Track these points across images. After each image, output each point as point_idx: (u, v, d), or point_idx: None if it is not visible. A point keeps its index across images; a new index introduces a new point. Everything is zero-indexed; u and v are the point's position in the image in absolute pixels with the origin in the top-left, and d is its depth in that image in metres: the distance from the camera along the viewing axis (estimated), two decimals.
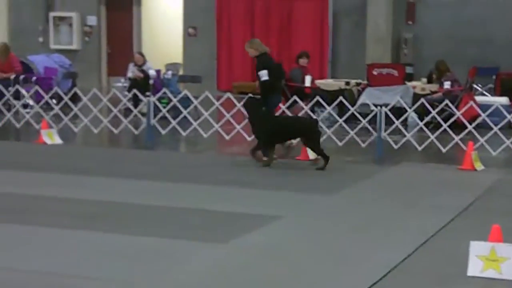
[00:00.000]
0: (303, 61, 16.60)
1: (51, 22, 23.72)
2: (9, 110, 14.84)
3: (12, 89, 15.23)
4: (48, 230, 7.19)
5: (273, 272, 6.08)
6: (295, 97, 13.86)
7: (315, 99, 14.06)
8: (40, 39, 23.80)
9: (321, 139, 11.16)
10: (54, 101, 15.00)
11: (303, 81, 16.36)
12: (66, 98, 14.47)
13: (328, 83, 17.37)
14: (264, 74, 11.32)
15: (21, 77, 16.73)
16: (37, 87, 15.07)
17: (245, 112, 11.68)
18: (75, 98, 15.12)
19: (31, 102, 15.69)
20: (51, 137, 12.91)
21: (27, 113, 14.84)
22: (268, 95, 11.34)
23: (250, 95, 11.90)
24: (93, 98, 14.33)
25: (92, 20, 23.56)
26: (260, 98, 11.43)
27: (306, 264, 6.30)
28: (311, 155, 11.35)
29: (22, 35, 23.68)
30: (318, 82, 17.20)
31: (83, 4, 23.47)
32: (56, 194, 8.80)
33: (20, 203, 8.36)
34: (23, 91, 15.38)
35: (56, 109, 14.40)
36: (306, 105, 13.92)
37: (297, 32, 21.52)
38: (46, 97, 14.54)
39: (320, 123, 13.02)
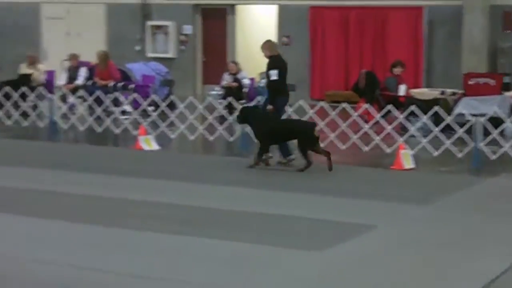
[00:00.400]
0: (397, 70, 16.49)
1: (148, 31, 24.22)
2: (108, 116, 15.26)
3: (111, 96, 15.65)
4: (141, 234, 7.37)
5: (368, 282, 6.09)
6: (389, 106, 13.80)
7: (409, 109, 13.96)
8: (137, 48, 24.30)
9: (417, 148, 11.08)
10: (151, 108, 15.33)
11: (397, 90, 16.25)
12: (163, 106, 14.79)
13: (423, 92, 17.18)
14: (273, 74, 11.71)
15: (120, 84, 17.14)
16: (135, 95, 15.45)
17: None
18: (171, 105, 15.43)
19: (129, 109, 16.06)
20: (148, 143, 13.20)
21: (126, 119, 15.23)
22: (276, 94, 11.70)
23: (245, 105, 12.61)
24: (188, 105, 14.60)
25: (187, 29, 23.95)
26: (268, 95, 11.85)
27: (402, 275, 6.28)
28: (406, 163, 11.35)
29: (120, 44, 24.23)
30: (413, 91, 17.04)
31: (179, 13, 23.88)
32: (150, 198, 9.02)
33: (117, 207, 8.60)
34: (122, 98, 15.78)
35: (153, 116, 14.73)
36: (400, 114, 13.84)
37: (391, 41, 21.35)
38: (144, 104, 14.89)
39: (415, 133, 12.94)
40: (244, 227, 7.81)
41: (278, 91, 11.78)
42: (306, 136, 11.10)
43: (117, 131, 14.72)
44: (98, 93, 15.52)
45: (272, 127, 11.36)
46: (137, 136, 13.46)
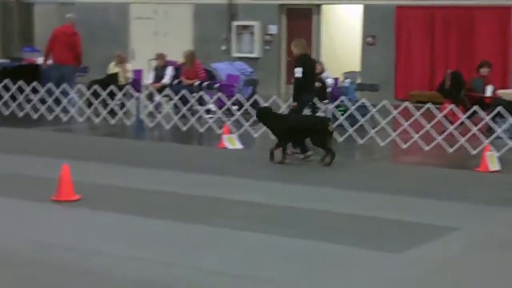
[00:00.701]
0: (484, 71, 16.20)
1: (234, 31, 24.44)
2: (193, 115, 15.49)
3: (196, 95, 15.88)
4: (223, 231, 7.47)
5: (451, 286, 6.02)
6: (475, 107, 13.60)
7: (496, 110, 13.71)
8: (223, 47, 24.56)
9: (503, 150, 10.90)
10: (235, 107, 15.48)
11: (483, 91, 15.97)
12: (246, 105, 14.92)
13: (510, 93, 16.84)
14: (298, 72, 12.15)
15: (205, 83, 17.36)
16: (219, 94, 15.63)
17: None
18: (255, 105, 15.54)
19: (213, 108, 16.26)
20: (231, 142, 13.33)
21: (210, 118, 15.42)
22: (300, 91, 12.14)
23: (264, 106, 13.12)
24: (272, 105, 14.68)
25: (273, 29, 24.07)
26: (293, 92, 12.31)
27: (486, 279, 6.19)
28: (492, 165, 11.22)
29: (206, 43, 24.53)
30: (500, 92, 16.71)
31: (265, 13, 24.02)
32: (232, 197, 9.12)
33: (200, 205, 8.73)
34: (207, 97, 15.98)
35: (237, 115, 14.87)
36: (486, 115, 13.62)
37: (478, 40, 20.99)
38: (228, 103, 15.06)
39: (502, 134, 12.72)
40: (323, 227, 7.83)
41: (301, 88, 12.18)
42: (321, 131, 11.43)
43: (202, 129, 14.93)
44: (184, 92, 15.77)
45: (289, 125, 11.65)
46: (221, 135, 13.62)
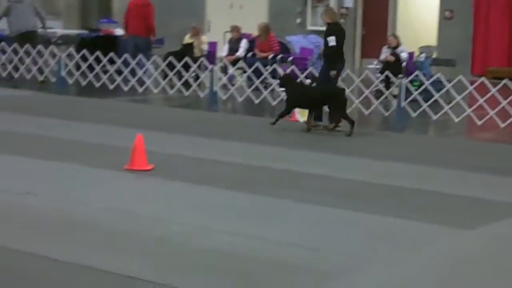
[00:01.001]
0: None
1: (309, 4, 24.34)
2: (266, 88, 15.53)
3: (269, 68, 15.91)
4: (300, 205, 7.49)
5: None
6: None
7: None
8: (298, 20, 24.50)
9: None
10: (308, 80, 15.46)
11: None
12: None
13: None
14: (332, 40, 12.24)
15: (278, 57, 17.36)
16: (293, 67, 15.63)
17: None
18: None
19: None
20: (304, 116, 13.30)
21: (283, 91, 15.41)
22: (334, 59, 12.27)
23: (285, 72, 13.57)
24: (345, 79, 14.63)
25: (348, 2, 23.89)
26: (326, 62, 12.47)
27: None
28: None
29: (281, 16, 24.51)
30: None
31: None
32: (307, 170, 9.15)
33: (275, 178, 8.79)
34: (280, 70, 16.00)
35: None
36: None
37: None
38: (301, 76, 15.04)
39: None
40: (396, 202, 7.80)
41: (335, 57, 12.32)
42: (336, 100, 11.74)
43: (274, 102, 14.97)
44: (257, 64, 15.82)
45: (303, 93, 12.12)
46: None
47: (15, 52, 17.41)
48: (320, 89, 12.42)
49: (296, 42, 18.47)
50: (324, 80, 12.51)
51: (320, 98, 11.99)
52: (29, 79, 17.48)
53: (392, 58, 16.87)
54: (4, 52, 18.21)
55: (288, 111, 12.30)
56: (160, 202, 7.47)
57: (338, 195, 7.99)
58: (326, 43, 12.41)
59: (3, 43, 18.29)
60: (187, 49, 18.01)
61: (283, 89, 12.98)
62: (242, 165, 9.33)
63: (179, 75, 16.44)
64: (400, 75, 15.21)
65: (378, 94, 15.27)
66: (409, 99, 13.43)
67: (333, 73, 12.41)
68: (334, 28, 12.43)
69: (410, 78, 14.24)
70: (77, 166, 8.85)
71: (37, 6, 17.59)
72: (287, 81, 12.57)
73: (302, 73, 15.27)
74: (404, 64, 16.76)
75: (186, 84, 16.29)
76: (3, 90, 16.03)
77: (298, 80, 14.41)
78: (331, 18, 12.55)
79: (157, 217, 6.87)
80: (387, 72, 15.13)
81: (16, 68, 17.62)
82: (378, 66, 17.33)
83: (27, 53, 17.41)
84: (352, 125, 11.70)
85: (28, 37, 17.52)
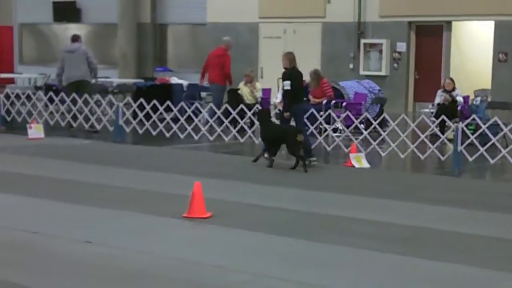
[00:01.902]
0: None
1: (362, 49, 24.43)
2: (320, 133, 15.59)
3: (323, 114, 15.97)
4: (356, 251, 7.48)
5: None
6: None
7: None
8: (351, 66, 24.60)
9: None
10: (363, 125, 15.48)
11: None
12: (375, 123, 14.89)
13: None
14: (287, 84, 13.09)
15: (332, 102, 17.43)
16: (347, 112, 15.67)
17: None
18: (383, 123, 15.51)
19: (341, 127, 16.31)
20: (359, 161, 13.32)
21: (337, 137, 15.48)
22: (291, 102, 13.10)
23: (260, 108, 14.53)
24: (399, 123, 14.61)
25: (401, 46, 23.93)
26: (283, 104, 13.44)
27: None
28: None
29: (334, 61, 24.65)
30: None
31: (393, 31, 23.92)
32: (360, 216, 9.13)
33: (328, 223, 8.79)
34: (334, 116, 16.05)
35: (365, 133, 14.87)
36: None
37: None
38: (356, 121, 15.07)
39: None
40: (454, 248, 7.73)
41: (292, 99, 13.11)
42: (290, 140, 12.61)
43: (329, 148, 15.00)
44: (311, 110, 15.88)
45: (268, 132, 13.09)
46: (348, 154, 13.64)
47: (74, 102, 17.79)
48: (280, 129, 13.20)
49: (350, 87, 18.53)
50: (282, 121, 13.50)
51: (280, 137, 12.85)
52: (87, 128, 17.81)
53: (449, 99, 16.79)
54: (63, 102, 18.62)
55: (266, 149, 13.05)
56: (219, 250, 7.52)
57: (393, 240, 7.95)
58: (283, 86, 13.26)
59: (61, 93, 18.71)
60: (237, 96, 18.21)
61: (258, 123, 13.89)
62: (297, 211, 9.36)
63: (234, 122, 16.60)
64: (455, 119, 15.13)
65: (433, 138, 15.20)
66: (466, 143, 13.34)
67: (286, 114, 13.24)
68: (290, 73, 13.16)
69: (466, 122, 14.16)
70: (136, 214, 8.97)
71: (90, 56, 17.98)
72: (262, 117, 13.44)
73: (357, 118, 15.29)
74: (459, 107, 16.68)
75: (241, 131, 16.43)
76: (62, 139, 16.35)
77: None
78: (290, 63, 13.23)
79: (216, 265, 6.92)
80: (443, 116, 15.06)
81: (75, 118, 17.97)
82: (432, 110, 17.27)
83: (85, 103, 17.77)
84: (304, 163, 12.53)
85: (78, 86, 17.87)
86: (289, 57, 13.33)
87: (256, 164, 13.01)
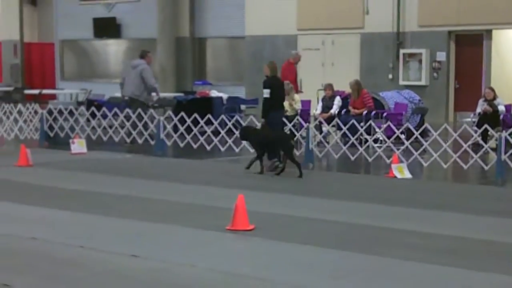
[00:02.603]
0: None
1: (401, 59, 24.34)
2: (361, 144, 15.55)
3: (364, 125, 15.93)
4: (406, 263, 7.44)
5: None
6: None
7: None
8: (390, 76, 24.51)
9: None
10: (404, 136, 15.41)
11: None
12: (416, 133, 14.82)
13: None
14: (266, 93, 13.63)
15: (373, 113, 17.38)
16: (388, 123, 15.61)
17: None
18: (424, 133, 15.42)
19: (381, 137, 16.25)
20: (401, 171, 13.25)
21: (378, 147, 15.42)
22: (268, 109, 13.67)
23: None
24: (441, 133, 14.52)
25: (441, 55, 23.79)
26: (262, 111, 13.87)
27: None
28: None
29: (373, 72, 24.59)
30: None
31: (433, 40, 23.81)
32: (405, 227, 9.08)
33: (373, 235, 8.76)
34: (375, 126, 16.00)
35: (406, 144, 14.80)
36: None
37: None
38: (397, 132, 15.00)
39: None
40: (504, 259, 7.65)
41: (269, 107, 13.67)
42: (284, 144, 13.10)
43: (370, 159, 14.95)
44: (352, 121, 15.87)
45: (261, 138, 13.34)
46: (390, 164, 13.58)
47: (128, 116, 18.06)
48: (272, 133, 13.57)
49: (390, 97, 18.46)
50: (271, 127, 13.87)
51: (274, 142, 13.26)
52: (129, 142, 17.99)
53: (490, 109, 16.66)
54: (105, 116, 18.83)
55: (258, 155, 13.35)
56: (263, 263, 7.53)
57: (441, 252, 7.89)
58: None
59: (103, 108, 18.93)
60: None
61: (244, 140, 14.40)
62: (341, 223, 9.34)
63: None
64: (497, 128, 14.99)
65: (476, 147, 15.07)
66: (510, 152, 13.20)
67: (263, 121, 13.83)
68: (270, 81, 13.76)
69: (510, 131, 14.02)
70: (180, 228, 9.02)
71: (144, 77, 18.01)
72: (247, 132, 13.79)
73: (398, 128, 15.23)
74: (501, 116, 16.53)
75: None
76: (104, 153, 16.51)
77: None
78: (271, 71, 13.87)
79: (261, 277, 6.93)
80: (485, 125, 14.94)
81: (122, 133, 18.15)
82: (474, 119, 17.14)
83: (126, 118, 17.95)
84: (299, 167, 12.92)
85: (127, 102, 18.15)
86: (271, 66, 13.95)
87: (296, 175, 12.98)
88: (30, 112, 20.00)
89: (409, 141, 14.91)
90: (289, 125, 16.47)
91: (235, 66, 28.52)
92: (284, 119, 15.09)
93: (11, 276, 6.94)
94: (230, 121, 17.09)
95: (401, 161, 13.72)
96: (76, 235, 8.60)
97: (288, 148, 13.15)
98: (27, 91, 30.52)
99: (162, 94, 23.23)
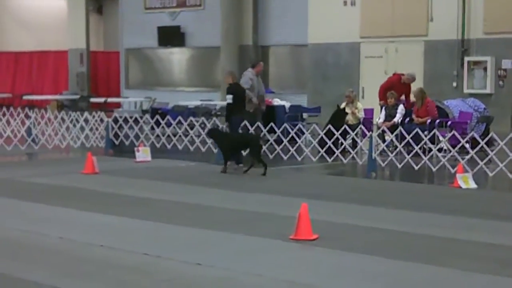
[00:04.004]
0: None
1: (466, 67, 24.05)
2: (425, 153, 15.42)
3: (427, 133, 15.80)
4: (468, 274, 7.37)
5: None
6: None
7: None
8: (454, 84, 24.24)
9: None
10: (468, 145, 15.23)
11: None
12: (482, 142, 14.63)
13: None
14: (229, 98, 15.29)
15: (437, 121, 17.22)
16: (453, 132, 15.45)
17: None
18: (489, 142, 15.22)
19: (446, 146, 16.09)
20: (465, 181, 13.09)
21: (443, 156, 15.27)
22: (231, 113, 15.31)
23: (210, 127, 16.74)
24: (507, 142, 14.31)
25: (506, 63, 23.43)
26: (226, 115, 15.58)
27: None
28: None
29: (437, 80, 24.34)
30: None
31: (498, 48, 23.47)
32: (471, 237, 8.98)
33: (437, 245, 8.69)
34: (439, 135, 15.85)
35: (472, 153, 14.62)
36: None
37: None
38: (462, 141, 14.84)
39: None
40: None
41: (232, 111, 15.30)
42: (253, 145, 14.42)
43: (435, 168, 14.81)
44: (416, 130, 15.75)
45: (229, 141, 14.67)
46: (454, 174, 13.44)
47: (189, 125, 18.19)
48: (241, 136, 15.03)
49: (455, 106, 18.27)
50: (231, 129, 15.49)
51: (242, 143, 14.70)
52: (193, 150, 18.17)
53: None
54: (169, 125, 19.05)
55: (225, 157, 14.64)
56: (328, 272, 7.53)
57: (508, 263, 7.79)
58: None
59: (168, 117, 19.16)
60: (340, 117, 18.19)
61: (211, 140, 15.95)
62: (404, 232, 9.29)
63: (337, 143, 16.60)
64: None
65: None
66: None
67: (226, 124, 15.61)
68: (233, 88, 15.34)
69: None
70: (244, 236, 9.08)
71: (241, 82, 17.98)
72: (214, 133, 15.12)
73: (463, 137, 15.06)
74: None
75: (344, 152, 16.41)
76: (168, 161, 16.70)
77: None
78: (232, 79, 15.56)
79: (326, 287, 6.94)
80: None
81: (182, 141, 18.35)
82: None
83: (190, 126, 18.14)
84: (265, 167, 14.21)
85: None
86: (233, 75, 15.80)
87: (359, 185, 12.94)
88: (96, 120, 20.36)
89: (474, 150, 14.74)
90: (352, 134, 16.43)
91: (297, 74, 28.54)
92: (243, 120, 15.97)
93: (80, 283, 7.09)
94: (292, 129, 17.12)
95: (466, 171, 13.56)
96: (141, 242, 8.74)
97: (257, 149, 14.42)
98: (93, 100, 31.09)
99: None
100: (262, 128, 17.08)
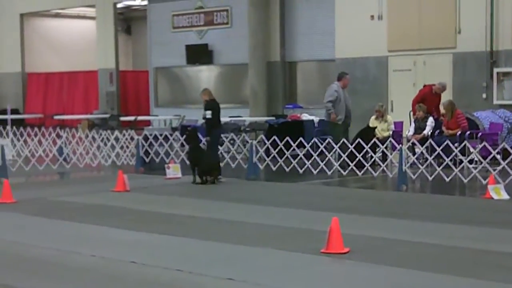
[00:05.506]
0: None
1: (495, 78, 23.90)
2: (455, 165, 15.32)
3: (458, 145, 15.71)
4: (503, 286, 7.31)
5: None
6: None
7: None
8: (484, 95, 24.09)
9: None
10: (500, 156, 15.12)
11: None
12: None
13: None
14: (208, 114, 16.19)
15: (467, 133, 17.12)
16: (484, 143, 15.35)
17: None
18: None
19: (477, 158, 15.98)
20: (497, 192, 13.00)
21: (474, 168, 15.17)
22: (211, 128, 16.27)
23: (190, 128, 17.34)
24: None
25: None
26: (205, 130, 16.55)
27: None
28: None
29: (466, 92, 24.20)
30: None
31: None
32: (504, 249, 8.90)
33: (470, 257, 8.62)
34: (470, 147, 15.75)
35: (503, 164, 14.51)
36: None
37: None
38: (493, 152, 14.74)
39: None
40: None
41: (212, 126, 16.22)
42: (215, 170, 15.48)
43: (466, 180, 14.71)
44: (446, 142, 15.67)
45: (189, 155, 15.89)
46: (486, 185, 13.34)
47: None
48: (200, 152, 15.75)
49: (485, 117, 18.16)
50: (212, 141, 16.32)
51: (197, 159, 15.46)
52: (223, 166, 18.21)
53: None
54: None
55: (192, 169, 15.54)
56: (359, 286, 7.51)
57: None
58: (205, 115, 16.27)
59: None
60: (369, 131, 18.14)
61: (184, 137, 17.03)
62: (436, 245, 9.23)
63: (366, 156, 16.56)
64: None
65: None
66: None
67: (207, 139, 16.28)
68: (212, 104, 16.23)
69: None
70: (275, 251, 9.07)
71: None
72: (190, 137, 15.94)
73: (494, 149, 14.95)
74: None
75: (374, 165, 16.36)
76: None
77: None
78: (208, 96, 16.35)
79: None
80: None
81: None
82: None
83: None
84: (213, 181, 15.36)
85: None
86: (208, 92, 16.54)
87: (390, 198, 12.89)
88: (126, 139, 20.48)
89: (506, 161, 14.63)
90: (382, 147, 16.39)
91: (325, 89, 28.50)
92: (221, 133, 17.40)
93: None
94: (322, 143, 17.10)
95: (498, 182, 13.46)
96: (173, 258, 8.77)
97: (217, 173, 15.54)
98: (122, 118, 31.28)
99: (253, 118, 23.45)
100: (291, 142, 17.07)
